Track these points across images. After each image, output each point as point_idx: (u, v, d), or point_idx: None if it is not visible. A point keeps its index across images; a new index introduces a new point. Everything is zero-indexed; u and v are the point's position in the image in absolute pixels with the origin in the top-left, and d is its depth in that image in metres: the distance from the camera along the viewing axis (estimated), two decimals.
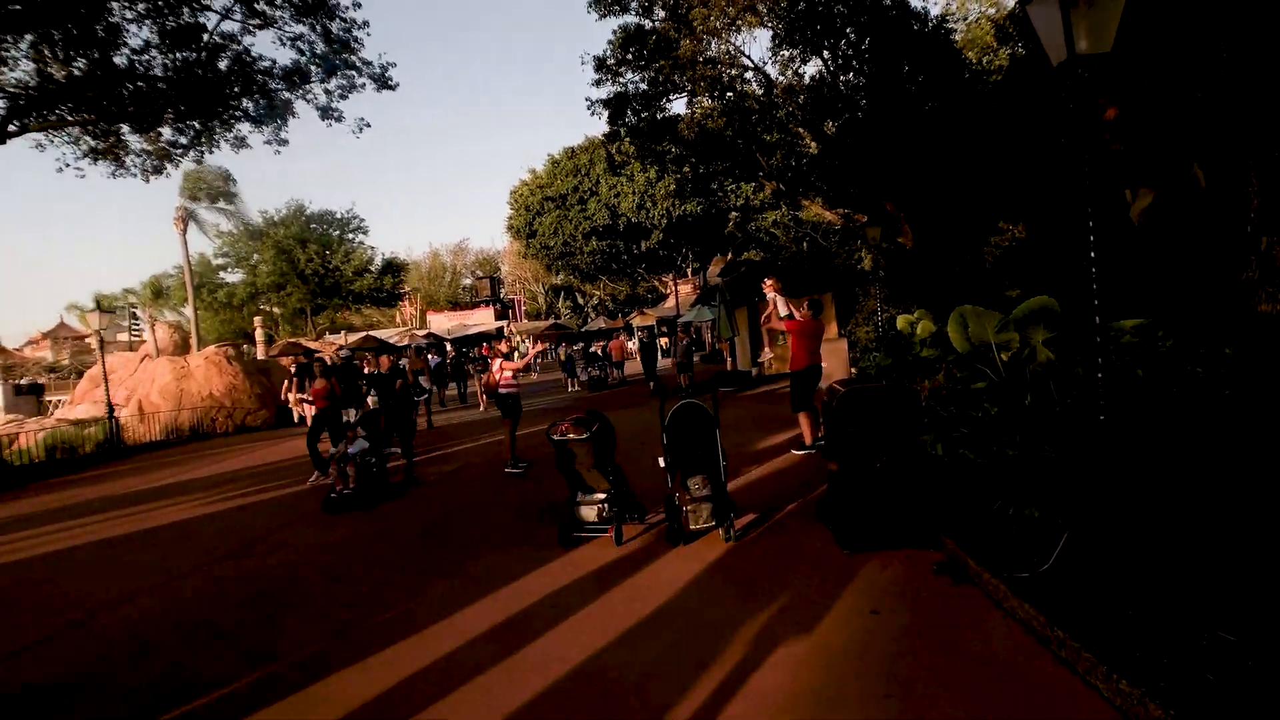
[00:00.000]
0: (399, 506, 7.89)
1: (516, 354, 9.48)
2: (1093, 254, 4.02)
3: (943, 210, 14.58)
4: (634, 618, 4.22)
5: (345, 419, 9.32)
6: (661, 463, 5.67)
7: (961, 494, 5.51)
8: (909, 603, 4.16)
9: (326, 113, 13.96)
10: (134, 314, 41.76)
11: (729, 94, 14.99)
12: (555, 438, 5.78)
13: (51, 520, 8.97)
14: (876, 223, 12.51)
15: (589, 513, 5.78)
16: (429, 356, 21.84)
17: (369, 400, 11.12)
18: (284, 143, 14.81)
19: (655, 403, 6.13)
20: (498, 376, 8.79)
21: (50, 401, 31.09)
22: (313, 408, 9.95)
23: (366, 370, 11.90)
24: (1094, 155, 4.04)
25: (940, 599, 4.19)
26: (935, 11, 14.74)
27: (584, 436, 5.68)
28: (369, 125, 15.58)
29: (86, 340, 43.39)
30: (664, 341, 33.54)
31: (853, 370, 14.57)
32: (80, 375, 29.00)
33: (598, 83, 16.02)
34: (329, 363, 10.88)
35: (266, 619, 4.77)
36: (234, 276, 42.22)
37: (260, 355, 20.35)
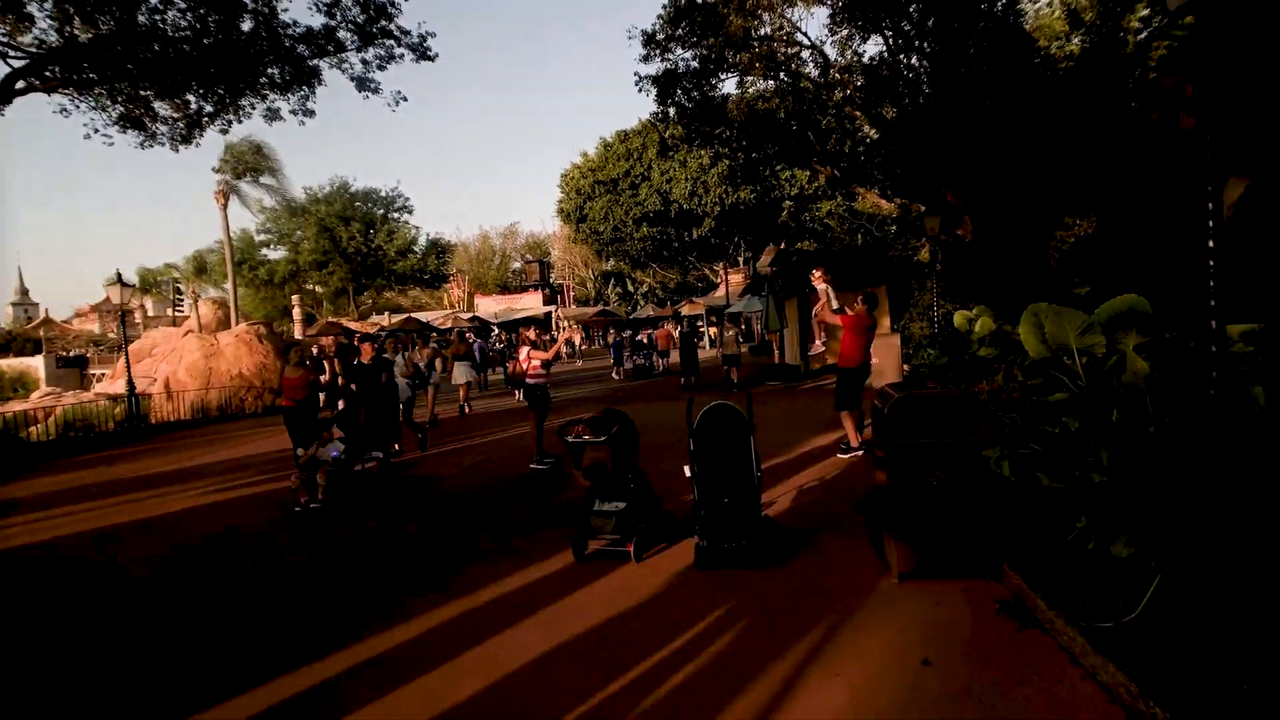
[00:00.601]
0: (379, 514, 7.09)
1: (549, 341, 9.04)
2: (1211, 243, 3.29)
3: (1006, 203, 13.50)
4: (640, 653, 3.75)
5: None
6: (687, 472, 5.16)
7: (1031, 521, 4.84)
8: (967, 651, 3.56)
9: (362, 84, 13.71)
10: (178, 289, 42.70)
11: (783, 74, 14.16)
12: (570, 440, 5.34)
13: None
14: (935, 213, 11.60)
15: (606, 524, 5.32)
16: (470, 339, 21.80)
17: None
18: (310, 113, 14.43)
19: (692, 397, 5.59)
20: (524, 365, 8.41)
21: (93, 375, 31.89)
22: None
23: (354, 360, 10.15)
24: (1201, 134, 3.29)
25: (1005, 649, 3.57)
26: None
27: (601, 440, 5.22)
28: (405, 99, 15.16)
29: (132, 313, 44.55)
30: (714, 332, 32.85)
31: (905, 367, 13.70)
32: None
33: (645, 58, 15.40)
34: (317, 351, 10.25)
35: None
36: (276, 254, 41.70)
37: (298, 334, 20.25)
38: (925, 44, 13.28)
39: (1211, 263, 3.30)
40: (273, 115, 14.15)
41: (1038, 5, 15.40)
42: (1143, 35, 15.22)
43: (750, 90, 15.26)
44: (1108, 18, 13.45)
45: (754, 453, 5.15)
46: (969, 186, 13.84)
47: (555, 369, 28.25)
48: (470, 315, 38.24)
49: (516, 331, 32.18)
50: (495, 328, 33.60)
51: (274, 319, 34.27)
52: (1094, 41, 12.73)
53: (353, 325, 24.15)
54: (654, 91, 16.38)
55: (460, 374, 15.49)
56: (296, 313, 20.79)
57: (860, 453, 8.15)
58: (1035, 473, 4.40)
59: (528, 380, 8.44)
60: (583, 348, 34.95)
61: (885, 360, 12.92)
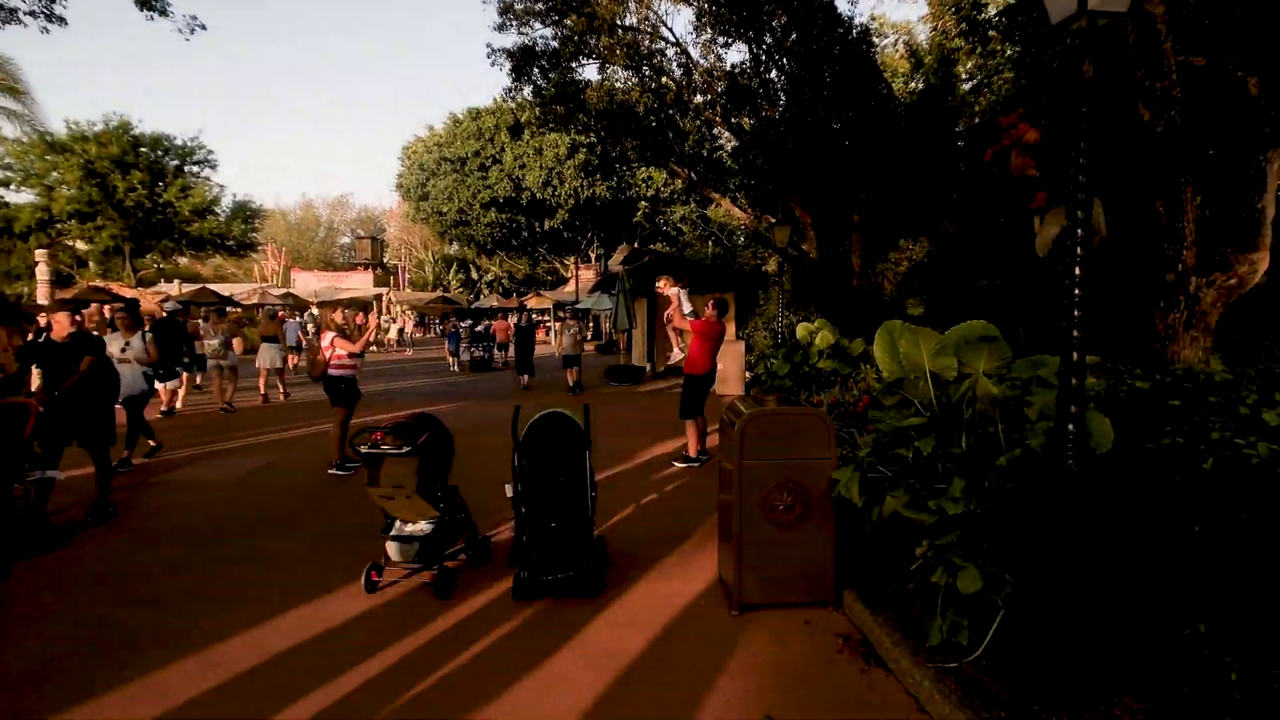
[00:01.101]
0: (53, 563, 4.83)
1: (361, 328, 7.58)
2: (1077, 271, 3.08)
3: (847, 221, 14.13)
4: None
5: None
6: (509, 492, 4.33)
7: (876, 549, 4.61)
8: (810, 698, 3.14)
9: (145, 3, 11.11)
10: None
11: (645, 67, 13.71)
12: (365, 450, 4.28)
13: None
14: (785, 223, 11.74)
15: (404, 551, 4.33)
16: (282, 318, 19.10)
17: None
18: (57, 19, 11.33)
19: (518, 406, 4.74)
20: (327, 354, 7.05)
21: None
22: None
23: (31, 337, 7.07)
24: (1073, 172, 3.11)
25: (850, 695, 3.20)
26: (860, 19, 14.08)
27: (403, 450, 4.23)
28: (203, 27, 12.53)
29: None
30: (559, 326, 32.09)
31: (747, 375, 13.85)
32: None
33: (500, 27, 14.20)
34: (47, 322, 6.93)
35: None
36: (19, 196, 32.87)
37: (42, 298, 16.06)
38: (785, 60, 13.48)
39: (1076, 292, 3.09)
40: (9, 16, 10.99)
41: (884, 43, 16.35)
42: (969, 84, 16.75)
43: (612, 80, 14.65)
44: (944, 64, 14.59)
45: (589, 469, 4.44)
46: (816, 203, 14.29)
47: (381, 358, 26.06)
48: (283, 291, 33.72)
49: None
50: (314, 307, 30.04)
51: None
52: (930, 85, 13.68)
53: (127, 292, 20.02)
54: (508, 66, 15.24)
55: (265, 357, 13.31)
56: (42, 271, 15.65)
57: (699, 463, 7.81)
58: (886, 498, 4.12)
59: (330, 372, 7.09)
60: (414, 335, 32.48)
61: (729, 367, 12.91)
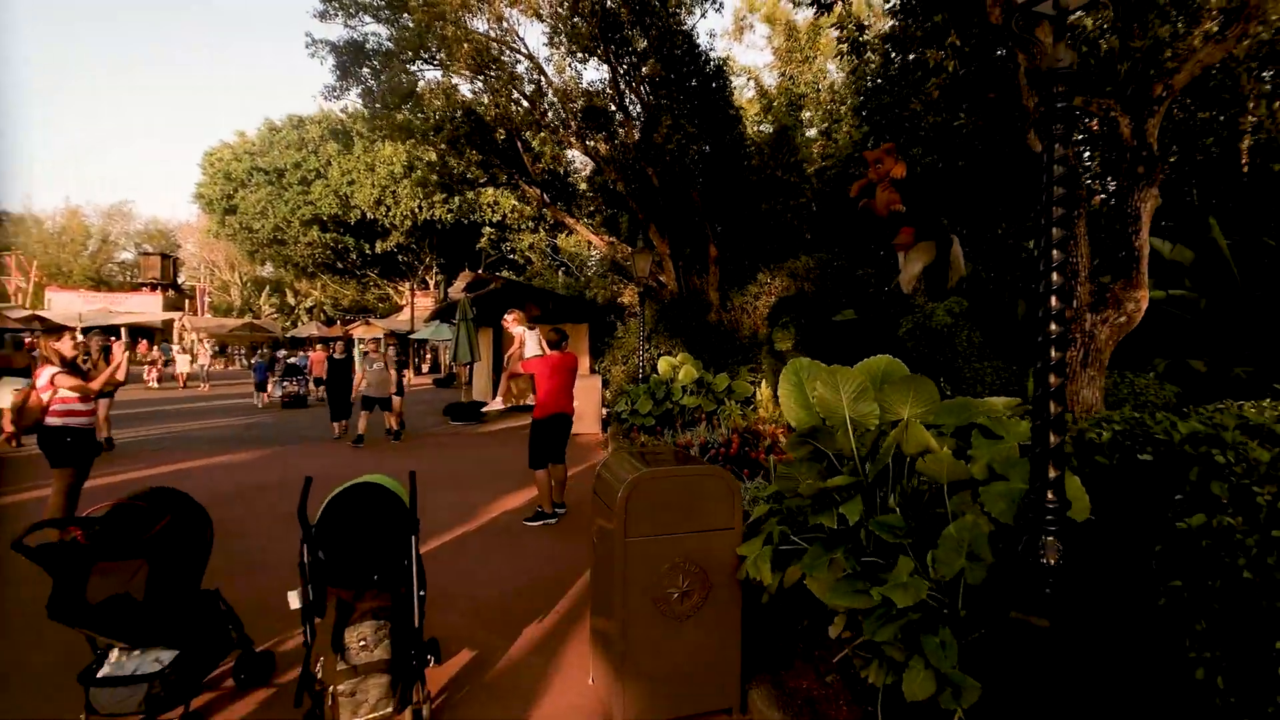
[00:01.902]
0: None
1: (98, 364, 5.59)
2: (1053, 301, 2.52)
3: (705, 254, 13.95)
4: None
5: None
6: (294, 601, 2.98)
7: (777, 620, 3.83)
8: None
9: None
10: None
11: (493, 75, 12.61)
12: (44, 543, 2.74)
13: None
14: (644, 252, 11.15)
15: (122, 700, 2.81)
16: (31, 345, 15.18)
17: None
18: None
19: (309, 479, 3.39)
20: (44, 397, 5.06)
21: None
22: None
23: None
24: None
25: None
26: (716, 54, 14.14)
27: (117, 554, 2.74)
28: None
29: None
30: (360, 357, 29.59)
31: (604, 411, 12.98)
32: None
33: (323, 15, 12.38)
34: None
35: None
36: None
37: None
38: (644, 87, 13.08)
39: (1052, 326, 2.52)
40: None
41: (735, 83, 16.64)
42: (811, 130, 17.60)
43: (457, 87, 13.35)
44: (792, 109, 15.10)
45: (416, 561, 3.21)
46: (674, 234, 13.95)
47: (171, 394, 21.89)
48: (28, 314, 27.36)
49: (114, 336, 24.03)
50: (79, 332, 24.67)
51: None
52: (782, 125, 14.02)
53: None
54: (332, 61, 13.42)
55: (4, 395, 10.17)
56: None
57: (554, 519, 6.71)
58: (797, 570, 3.35)
59: (48, 420, 5.09)
60: (211, 367, 27.99)
61: (585, 405, 11.96)
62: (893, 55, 5.33)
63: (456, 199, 28.30)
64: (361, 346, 11.82)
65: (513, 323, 8.30)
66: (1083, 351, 4.40)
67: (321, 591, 3.04)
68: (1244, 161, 7.90)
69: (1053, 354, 2.48)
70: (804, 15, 20.44)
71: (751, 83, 18.77)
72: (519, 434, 12.06)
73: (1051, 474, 2.41)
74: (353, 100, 13.97)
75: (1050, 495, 2.46)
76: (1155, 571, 2.09)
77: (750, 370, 10.97)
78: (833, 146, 13.97)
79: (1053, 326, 2.48)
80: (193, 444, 11.62)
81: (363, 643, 2.99)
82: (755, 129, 16.18)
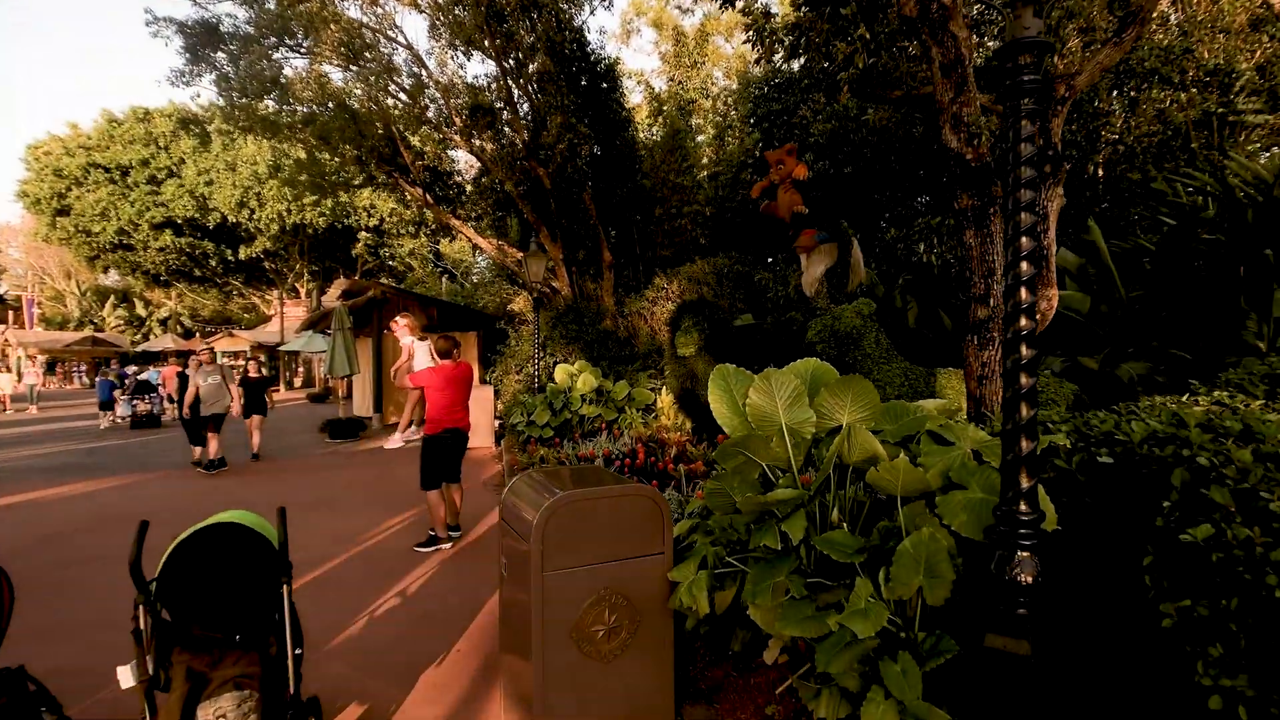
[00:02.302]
0: None
1: None
2: (1023, 295, 2.35)
3: (599, 258, 13.59)
4: None
5: None
6: (126, 679, 2.28)
7: (708, 643, 3.50)
8: None
9: None
10: None
11: (366, 65, 11.58)
12: None
13: None
14: (538, 255, 10.60)
15: None
16: None
17: None
18: None
19: (143, 529, 2.65)
20: None
21: None
22: None
23: None
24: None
25: None
26: (608, 55, 13.86)
27: None
28: None
29: None
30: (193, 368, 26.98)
31: (497, 423, 12.27)
32: None
33: None
34: None
35: None
36: None
37: None
38: (532, 84, 12.53)
39: (1023, 322, 2.33)
40: None
41: (627, 84, 16.44)
42: (701, 136, 17.71)
43: (327, 76, 12.17)
44: (682, 114, 15.07)
45: (289, 612, 2.57)
46: (567, 238, 13.48)
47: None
48: None
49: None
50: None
51: None
52: (675, 129, 13.92)
53: None
54: (180, 42, 11.88)
55: None
56: None
57: (449, 544, 6.07)
58: (742, 609, 3.02)
59: None
60: (42, 387, 24.35)
61: (478, 416, 11.22)
62: (800, 43, 5.19)
63: (329, 201, 26.34)
64: (196, 357, 10.31)
65: (402, 330, 7.52)
66: (1001, 351, 4.39)
67: (166, 661, 2.35)
68: (1100, 175, 8.62)
69: (1024, 351, 2.29)
70: (691, 22, 20.77)
71: (641, 86, 18.72)
72: (406, 451, 11.12)
73: (1024, 483, 2.20)
74: (206, 88, 12.42)
75: (1023, 506, 2.24)
76: (1150, 588, 1.90)
77: (650, 377, 10.69)
78: (724, 152, 14.08)
79: (1023, 322, 2.29)
80: (18, 475, 9.76)
81: (228, 708, 2.33)
82: (646, 133, 16.07)
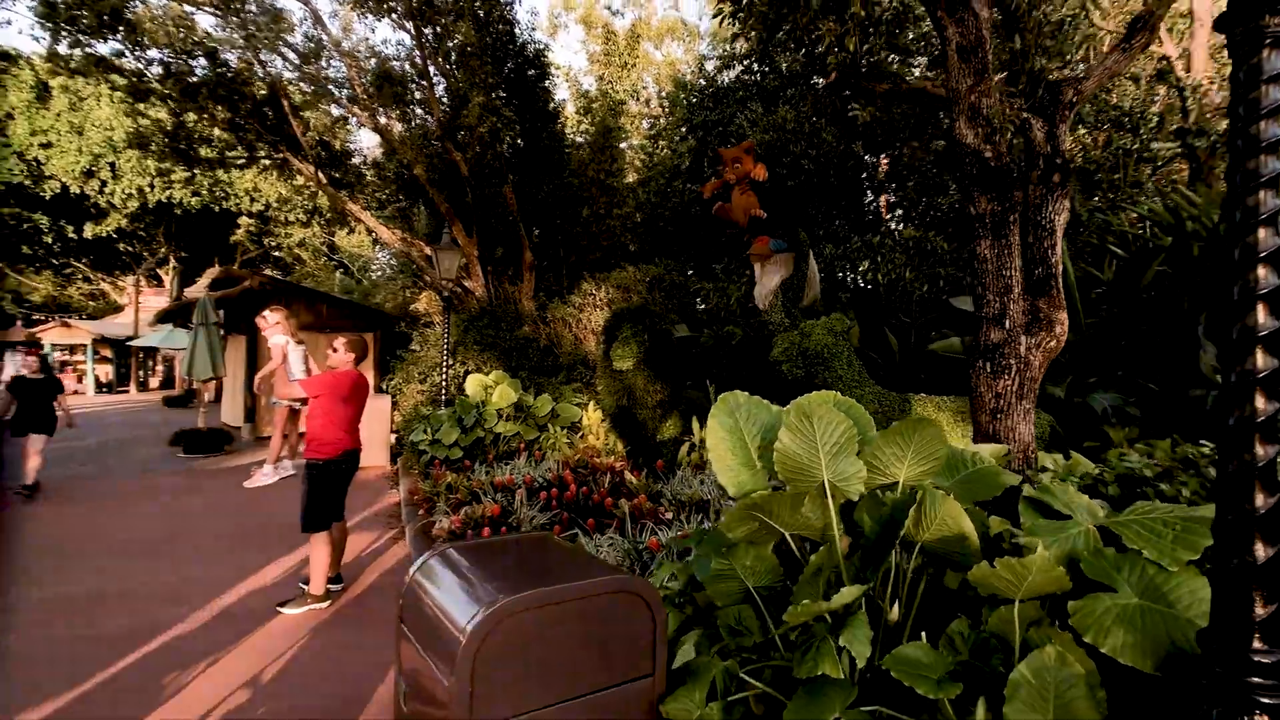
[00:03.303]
0: None
1: None
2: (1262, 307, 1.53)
3: (519, 258, 12.42)
4: None
5: None
6: None
7: None
8: None
9: None
10: None
11: (247, 7, 9.79)
12: None
13: None
14: (451, 249, 9.31)
15: None
16: None
17: None
18: None
19: None
20: None
21: None
22: None
23: None
24: None
25: None
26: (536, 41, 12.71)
27: None
28: None
29: None
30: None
31: (393, 439, 10.77)
32: None
33: None
34: None
35: None
36: None
37: None
38: (452, 62, 11.21)
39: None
40: None
41: (552, 82, 15.33)
42: (635, 139, 16.89)
43: (192, 18, 10.22)
44: (612, 114, 14.18)
45: None
46: (484, 234, 12.19)
47: None
48: None
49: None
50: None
51: None
52: (606, 127, 13.02)
53: None
54: None
55: None
56: None
57: (327, 602, 4.76)
58: None
59: None
60: None
61: (371, 430, 9.73)
62: (783, 15, 4.42)
63: (204, 178, 23.34)
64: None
65: (272, 328, 6.09)
66: (1018, 380, 3.73)
67: None
68: None
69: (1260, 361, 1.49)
70: (622, 24, 20.03)
71: (568, 83, 17.70)
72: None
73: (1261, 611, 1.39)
74: (20, 14, 10.10)
75: (1258, 641, 1.44)
76: None
77: (576, 391, 9.64)
78: (657, 158, 13.34)
79: (1261, 317, 1.48)
80: None
81: None
82: (575, 132, 15.06)
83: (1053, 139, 4.12)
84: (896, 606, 2.20)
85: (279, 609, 4.64)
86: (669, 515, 4.77)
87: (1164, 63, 12.03)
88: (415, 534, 6.12)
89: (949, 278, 7.46)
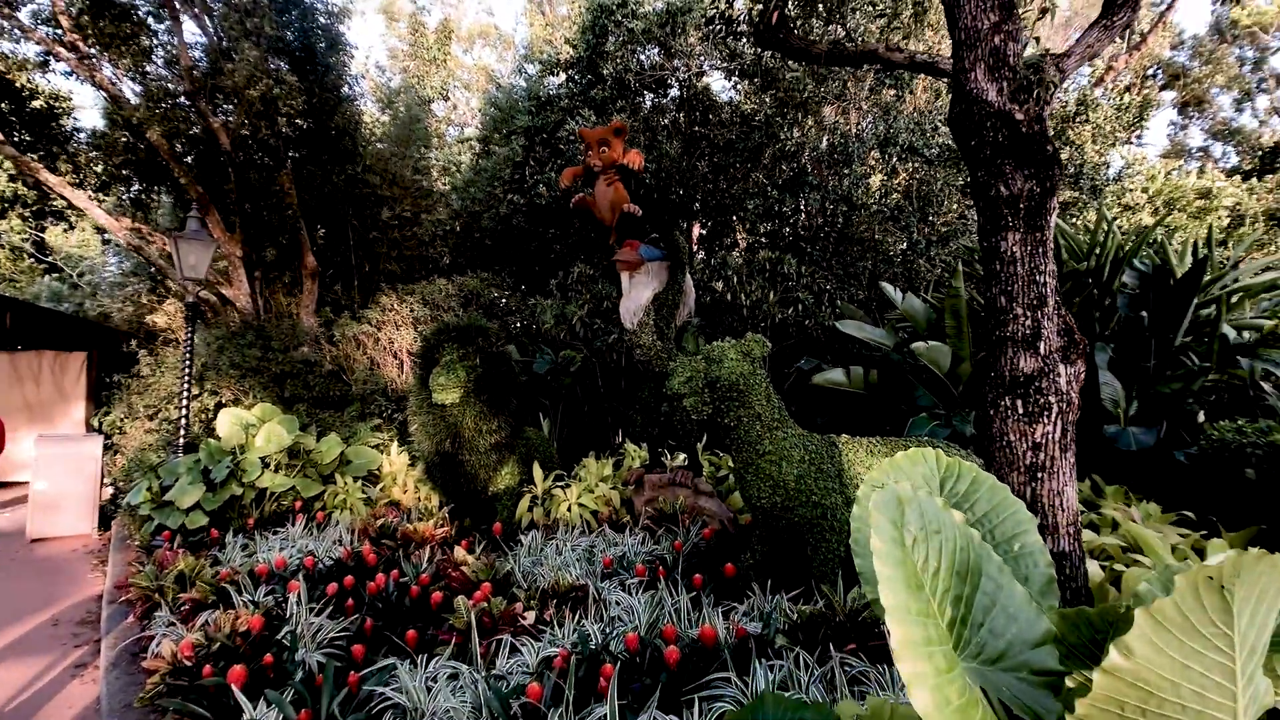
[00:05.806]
0: None
1: None
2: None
3: (298, 262, 10.16)
4: None
5: None
6: None
7: None
8: None
9: None
10: None
11: None
12: None
13: None
14: (202, 241, 7.00)
15: None
16: None
17: None
18: None
19: None
20: None
21: None
22: None
23: None
24: None
25: None
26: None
27: None
28: None
29: None
30: None
31: (106, 494, 7.94)
32: None
33: None
34: None
35: None
36: None
37: None
38: (213, 18, 8.80)
39: None
40: None
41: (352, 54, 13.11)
42: (453, 146, 15.07)
43: None
44: (420, 106, 12.44)
45: None
46: (253, 231, 9.72)
47: None
48: None
49: None
50: None
51: None
52: (410, 119, 11.22)
53: None
54: None
55: None
56: None
57: None
58: None
59: None
60: None
61: (70, 482, 6.98)
62: None
63: None
64: None
65: None
66: (1059, 425, 2.93)
67: None
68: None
69: None
70: (434, 19, 18.18)
71: (366, 78, 15.41)
72: None
73: None
74: None
75: None
76: None
77: (375, 429, 7.75)
78: (478, 164, 11.81)
79: None
80: None
81: None
82: (375, 124, 12.95)
83: (1040, 121, 3.54)
84: None
85: None
86: (530, 617, 3.38)
87: None
88: (115, 660, 4.00)
89: (806, 302, 7.02)
